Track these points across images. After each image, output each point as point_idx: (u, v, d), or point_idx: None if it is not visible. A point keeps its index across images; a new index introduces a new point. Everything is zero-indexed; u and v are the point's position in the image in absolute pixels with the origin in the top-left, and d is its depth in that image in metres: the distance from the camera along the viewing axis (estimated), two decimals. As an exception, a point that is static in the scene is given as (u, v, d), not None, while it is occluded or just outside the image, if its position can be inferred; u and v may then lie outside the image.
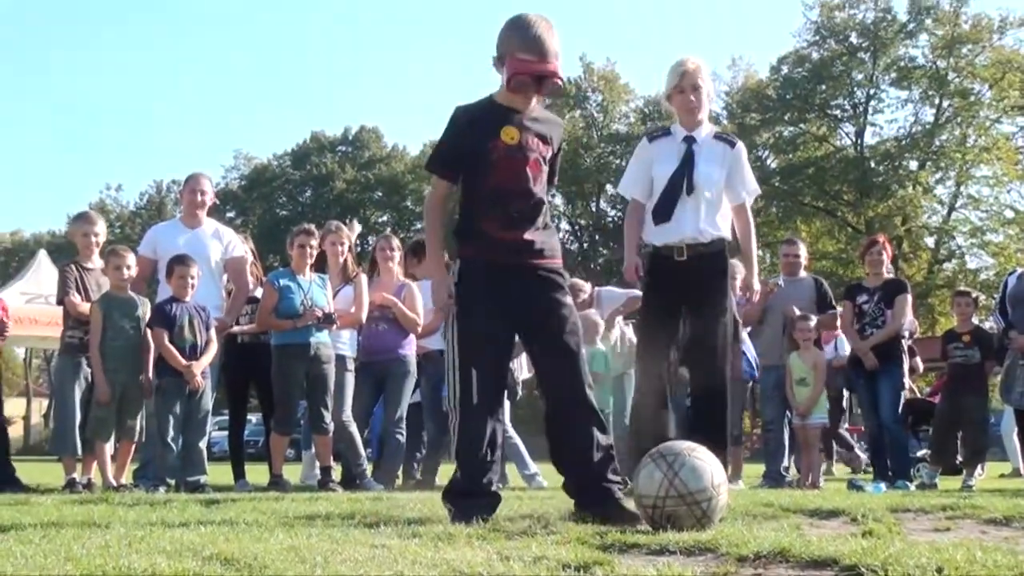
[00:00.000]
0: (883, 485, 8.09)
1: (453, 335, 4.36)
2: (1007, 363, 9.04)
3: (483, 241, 4.39)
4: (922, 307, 35.60)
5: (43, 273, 17.56)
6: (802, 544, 3.12)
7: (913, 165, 41.78)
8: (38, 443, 52.39)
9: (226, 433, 9.40)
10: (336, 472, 8.21)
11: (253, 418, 14.26)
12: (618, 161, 49.05)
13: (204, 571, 2.73)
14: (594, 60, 52.03)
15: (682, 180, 6.01)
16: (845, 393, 10.87)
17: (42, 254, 19.67)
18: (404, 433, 8.55)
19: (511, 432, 8.95)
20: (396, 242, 9.06)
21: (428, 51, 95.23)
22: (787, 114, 43.81)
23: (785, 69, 44.08)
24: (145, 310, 7.65)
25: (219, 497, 6.21)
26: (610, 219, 52.04)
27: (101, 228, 8.24)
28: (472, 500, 4.23)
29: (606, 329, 8.88)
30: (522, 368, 8.64)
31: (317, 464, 8.65)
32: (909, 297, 9.12)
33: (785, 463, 9.17)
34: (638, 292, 6.68)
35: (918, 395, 12.71)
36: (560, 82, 4.41)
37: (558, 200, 48.23)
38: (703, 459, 3.83)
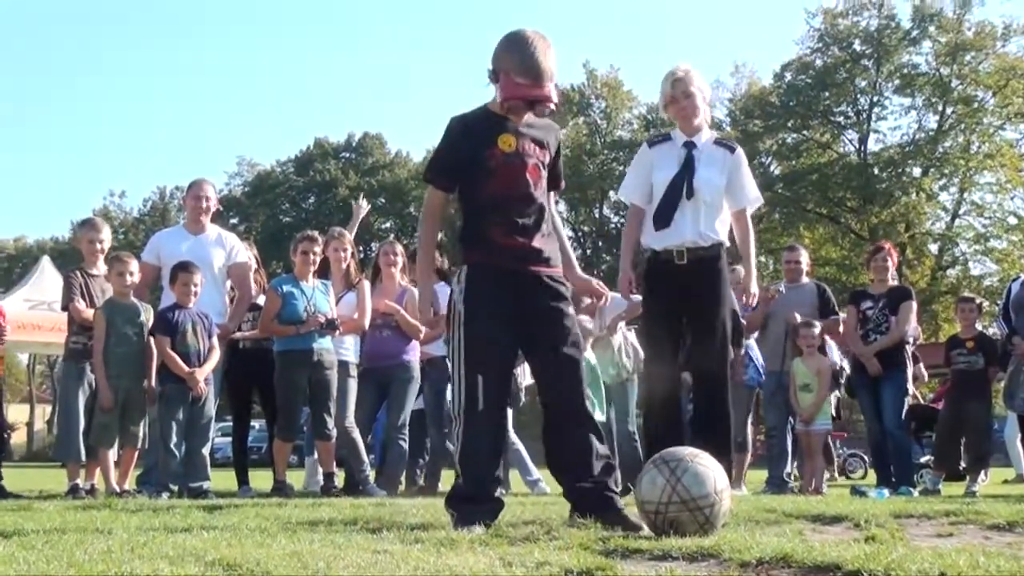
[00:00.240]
0: (886, 491, 8.08)
1: (458, 340, 4.34)
2: (1010, 369, 9.03)
3: (488, 247, 4.39)
4: (925, 313, 35.54)
5: (46, 279, 17.57)
6: (805, 550, 3.12)
7: (916, 172, 41.79)
8: (41, 449, 52.37)
9: (229, 439, 9.40)
10: (339, 478, 8.21)
11: (256, 424, 14.28)
12: (621, 168, 49.03)
13: (206, 576, 2.73)
14: (597, 67, 52.19)
15: (682, 185, 6.02)
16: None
17: (45, 260, 19.70)
18: (407, 439, 8.55)
19: (514, 438, 8.96)
20: (399, 248, 9.06)
21: (432, 58, 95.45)
22: (790, 121, 43.82)
23: (788, 76, 44.10)
24: (148, 316, 7.65)
25: (222, 503, 6.20)
26: (613, 225, 52.06)
27: (106, 235, 8.25)
28: (475, 506, 4.22)
29: (608, 335, 8.88)
30: (524, 374, 8.63)
31: (320, 470, 8.66)
32: (914, 304, 9.12)
33: (788, 469, 9.17)
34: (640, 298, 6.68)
35: (921, 401, 12.70)
36: (553, 106, 4.41)
37: (560, 206, 48.27)
38: (706, 465, 3.82)
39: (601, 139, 50.54)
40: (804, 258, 9.61)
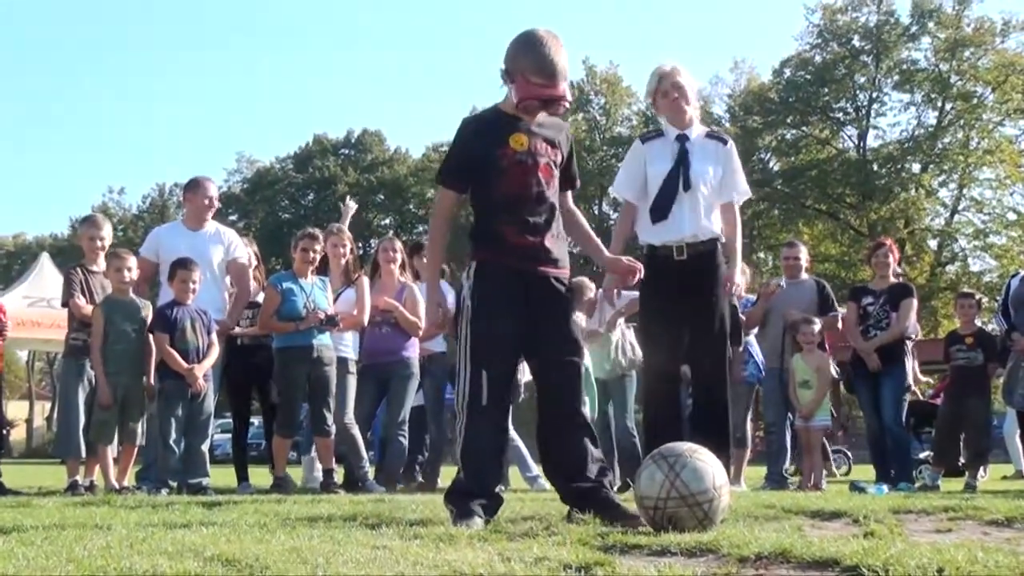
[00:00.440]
0: (885, 487, 8.09)
1: (465, 336, 4.36)
2: (1009, 365, 9.04)
3: (499, 245, 4.41)
4: (925, 310, 35.58)
5: (45, 276, 17.57)
6: (803, 545, 3.12)
7: (916, 168, 41.77)
8: (41, 446, 52.43)
9: (228, 436, 9.41)
10: (338, 474, 8.22)
11: (256, 421, 14.29)
12: (620, 164, 49.04)
13: (205, 572, 2.73)
14: (597, 63, 52.07)
15: (678, 178, 6.02)
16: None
17: (44, 257, 19.69)
18: (406, 435, 8.55)
19: (513, 435, 8.95)
20: (398, 244, 9.06)
21: (431, 54, 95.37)
22: (789, 117, 43.82)
23: (787, 72, 44.09)
24: (147, 313, 7.65)
25: (221, 499, 6.22)
26: (612, 222, 51.96)
27: (107, 232, 8.24)
28: (475, 501, 4.24)
29: (608, 331, 8.89)
30: (524, 371, 8.63)
31: (318, 467, 8.67)
32: (915, 301, 9.13)
33: (787, 465, 9.17)
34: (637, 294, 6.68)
35: (920, 397, 12.71)
36: (568, 105, 4.47)
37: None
38: (704, 460, 3.83)
39: (600, 135, 50.52)
40: (804, 254, 9.61)
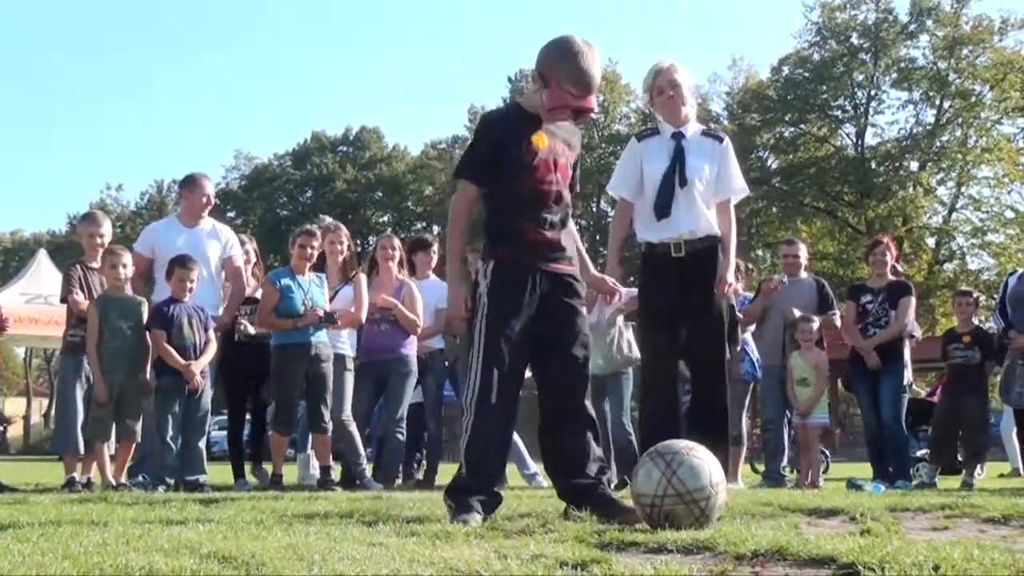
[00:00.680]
0: (882, 485, 8.09)
1: (480, 333, 4.37)
2: (1007, 363, 9.04)
3: (518, 243, 4.42)
4: (923, 307, 35.59)
5: (43, 273, 17.56)
6: (800, 543, 3.12)
7: (914, 166, 41.77)
8: (38, 442, 52.41)
9: (225, 432, 9.40)
10: (336, 471, 8.22)
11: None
12: (617, 162, 49.03)
13: (202, 569, 2.73)
14: (595, 61, 51.98)
15: (674, 175, 6.03)
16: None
17: (42, 254, 19.67)
18: (404, 433, 8.55)
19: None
20: (397, 242, 9.06)
21: (429, 52, 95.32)
22: (788, 115, 43.80)
23: (786, 70, 44.09)
24: (144, 310, 7.65)
25: (218, 496, 6.21)
26: (610, 219, 52.02)
27: (107, 229, 8.23)
28: (474, 498, 4.26)
29: (608, 328, 8.90)
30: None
31: (314, 464, 8.67)
32: (913, 299, 9.13)
33: (784, 462, 9.18)
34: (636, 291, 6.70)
35: (919, 394, 12.71)
36: (594, 117, 4.52)
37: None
38: (701, 458, 3.83)
39: (599, 133, 50.51)
40: (803, 252, 9.61)
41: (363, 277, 8.55)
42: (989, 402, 10.51)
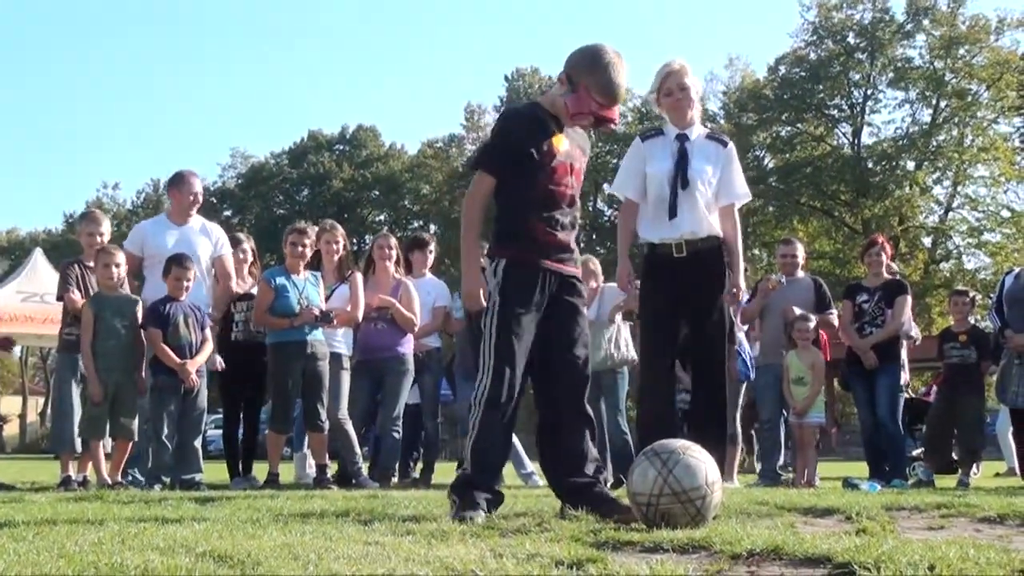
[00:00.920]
0: (878, 484, 8.09)
1: (491, 333, 4.37)
2: (1003, 362, 9.04)
3: (529, 242, 4.44)
4: (919, 307, 35.64)
5: (39, 271, 17.53)
6: (796, 542, 3.12)
7: (910, 165, 41.81)
8: (34, 441, 52.35)
9: (220, 431, 9.40)
10: (331, 470, 8.22)
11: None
12: (615, 160, 48.92)
13: (197, 568, 2.72)
14: (592, 59, 51.97)
15: (677, 176, 6.04)
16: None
17: (38, 252, 19.62)
18: (400, 431, 8.55)
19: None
20: (393, 241, 9.05)
21: (426, 50, 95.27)
22: (784, 114, 43.81)
23: (782, 69, 44.13)
24: (139, 309, 7.64)
25: (214, 495, 6.21)
26: (606, 218, 52.04)
27: (106, 228, 8.22)
28: (479, 495, 4.28)
29: (606, 323, 8.92)
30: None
31: (310, 463, 8.67)
32: (909, 298, 9.14)
33: (781, 461, 9.18)
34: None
35: (913, 395, 12.71)
36: (614, 127, 4.65)
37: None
38: (697, 457, 3.83)
39: (595, 132, 50.43)
40: (800, 252, 9.61)
41: (359, 276, 8.55)
42: (985, 401, 10.51)
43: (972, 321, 9.94)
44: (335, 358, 8.19)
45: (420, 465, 9.45)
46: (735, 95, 46.34)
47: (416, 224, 55.18)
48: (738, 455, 9.40)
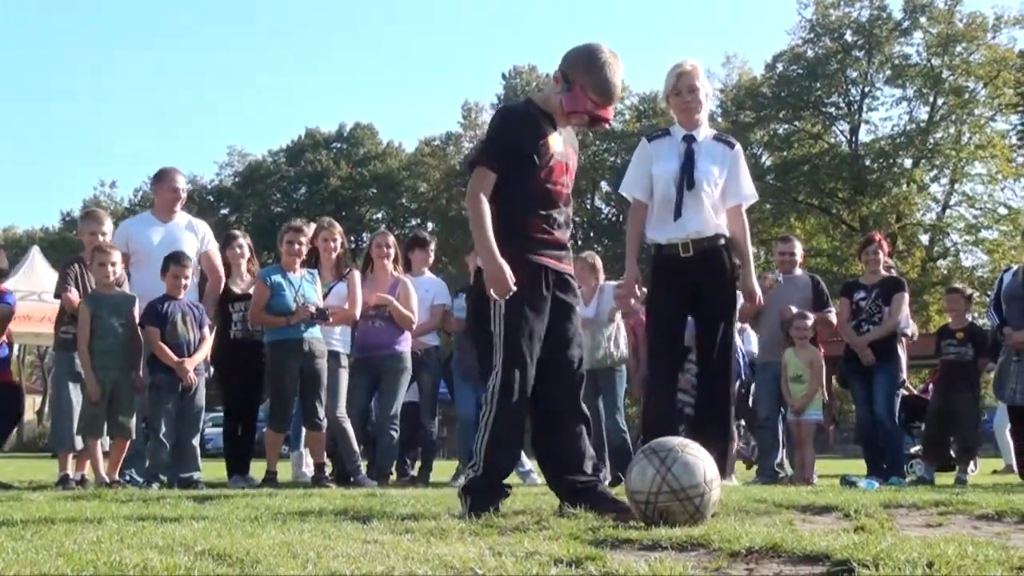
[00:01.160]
0: (876, 481, 8.10)
1: (500, 333, 4.37)
2: (1001, 360, 9.03)
3: (526, 240, 4.44)
4: (916, 304, 35.65)
5: (36, 270, 17.51)
6: (794, 539, 3.13)
7: (907, 163, 41.82)
8: (31, 440, 52.28)
9: (219, 430, 9.40)
10: (329, 468, 8.22)
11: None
12: (612, 159, 49.00)
13: (196, 566, 2.72)
14: (589, 57, 51.92)
15: (683, 177, 6.05)
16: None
17: (35, 251, 19.62)
18: (398, 429, 8.55)
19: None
20: (392, 239, 9.06)
21: (423, 48, 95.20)
22: (782, 112, 43.82)
23: (780, 67, 44.13)
24: (136, 307, 7.63)
25: (212, 493, 6.21)
26: (604, 216, 52.05)
27: (108, 228, 8.20)
28: (491, 495, 4.32)
29: (605, 322, 8.92)
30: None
31: (307, 462, 8.66)
32: (906, 295, 9.15)
33: (779, 459, 9.18)
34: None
35: (911, 391, 12.73)
36: (608, 127, 4.69)
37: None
38: (695, 455, 3.83)
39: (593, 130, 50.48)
40: (798, 250, 9.61)
41: (357, 274, 8.55)
42: (982, 399, 10.52)
43: (970, 318, 9.94)
44: (333, 356, 8.19)
45: (418, 463, 9.46)
46: (732, 93, 46.32)
47: (414, 222, 55.17)
48: (734, 451, 9.40)
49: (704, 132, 6.27)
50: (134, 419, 7.58)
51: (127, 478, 7.68)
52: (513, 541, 3.28)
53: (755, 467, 10.06)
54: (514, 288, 4.31)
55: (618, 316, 9.00)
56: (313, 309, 7.87)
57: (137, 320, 7.60)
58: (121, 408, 7.48)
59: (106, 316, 7.49)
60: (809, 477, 8.76)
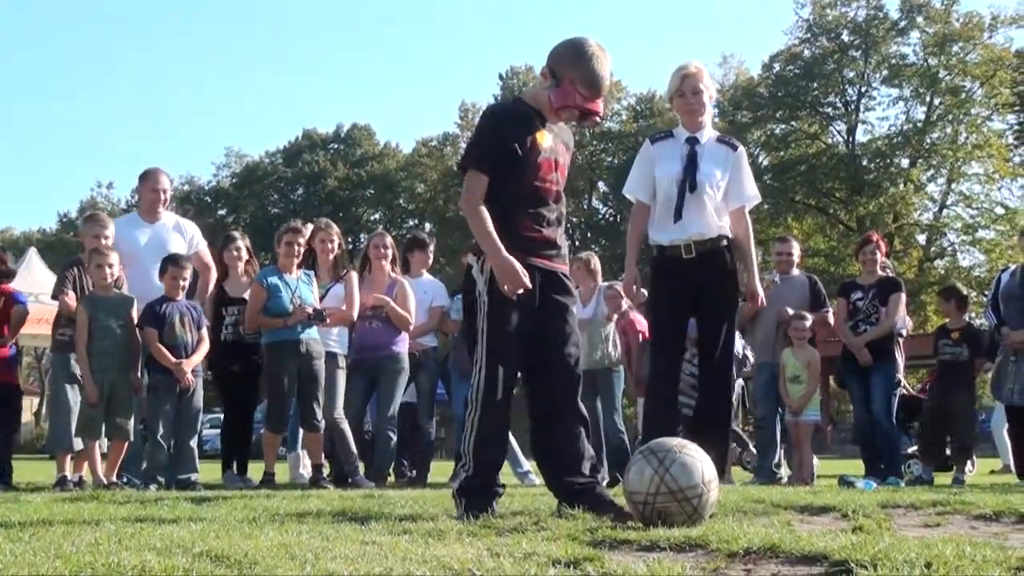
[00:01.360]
0: (874, 481, 8.10)
1: (482, 331, 4.36)
2: (998, 359, 9.04)
3: (515, 238, 4.39)
4: (913, 304, 35.69)
5: (34, 271, 17.47)
6: (792, 540, 3.12)
7: (904, 162, 41.87)
8: (29, 441, 52.17)
9: (218, 431, 9.39)
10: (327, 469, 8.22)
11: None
12: (610, 159, 49.03)
13: (194, 568, 2.72)
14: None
15: (685, 179, 6.06)
16: (737, 388, 10.73)
17: (32, 252, 19.59)
18: (396, 430, 8.55)
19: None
20: (389, 240, 9.05)
21: (420, 48, 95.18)
22: (779, 112, 43.86)
23: (777, 67, 44.14)
24: (134, 308, 7.63)
25: (210, 494, 6.21)
26: (601, 216, 52.06)
27: (111, 231, 8.18)
28: (485, 495, 4.31)
29: (603, 322, 8.93)
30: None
31: (305, 463, 8.66)
32: (903, 295, 9.15)
33: (776, 459, 9.19)
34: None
35: (910, 392, 12.74)
36: (599, 121, 4.61)
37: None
38: (693, 455, 3.83)
39: (589, 130, 50.44)
40: (795, 250, 9.61)
41: (354, 275, 8.54)
42: (978, 399, 10.53)
43: (967, 318, 9.95)
44: (331, 357, 8.19)
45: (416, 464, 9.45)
46: (729, 93, 46.34)
47: (411, 223, 55.15)
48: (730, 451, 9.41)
49: (707, 134, 6.27)
50: (132, 421, 7.58)
51: (124, 479, 7.67)
52: (511, 542, 3.28)
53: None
54: (528, 284, 4.28)
55: (615, 317, 9.01)
56: (310, 310, 7.87)
57: (135, 321, 7.60)
58: (119, 410, 7.47)
59: (104, 318, 7.48)
60: (807, 477, 8.76)
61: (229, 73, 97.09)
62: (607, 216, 51.52)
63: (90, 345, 7.42)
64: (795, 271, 9.53)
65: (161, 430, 7.47)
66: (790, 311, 8.96)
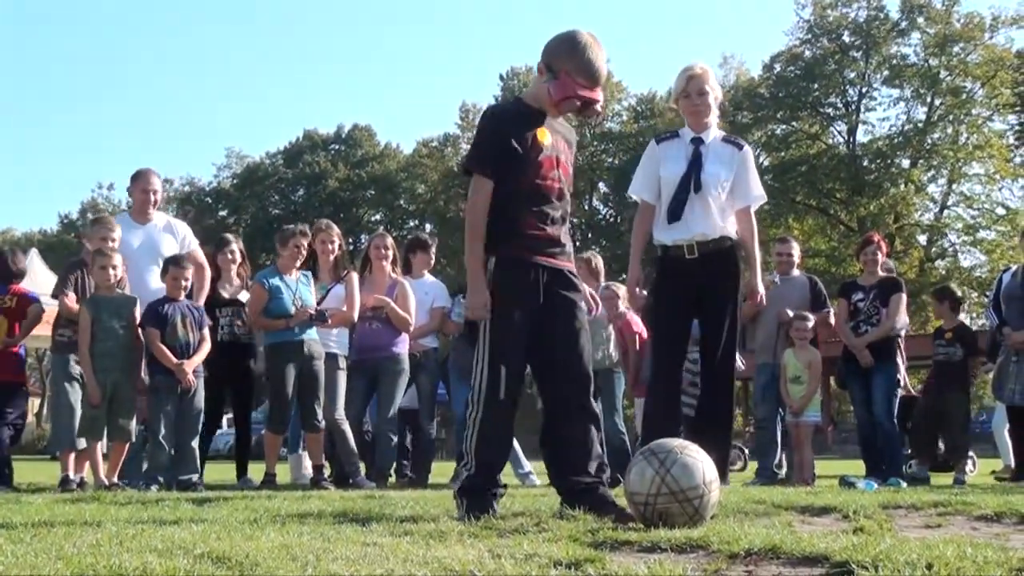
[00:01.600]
0: (875, 482, 8.10)
1: (485, 331, 4.36)
2: (1000, 360, 9.05)
3: (520, 238, 4.40)
4: (914, 305, 35.66)
5: (35, 272, 17.44)
6: (793, 541, 3.12)
7: (905, 163, 41.85)
8: (30, 442, 52.17)
9: (217, 432, 9.38)
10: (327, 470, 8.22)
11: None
12: (611, 159, 49.02)
13: (195, 569, 2.72)
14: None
15: (690, 179, 6.07)
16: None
17: (33, 253, 19.58)
18: (396, 431, 8.54)
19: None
20: (390, 241, 9.05)
21: (421, 49, 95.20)
22: (779, 112, 43.83)
23: (777, 67, 44.12)
24: (137, 309, 7.63)
25: (211, 495, 6.20)
26: (602, 217, 52.04)
27: (118, 235, 8.16)
28: (486, 495, 4.30)
29: (605, 323, 8.93)
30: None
31: (306, 464, 8.65)
32: (904, 296, 9.16)
33: (777, 460, 9.19)
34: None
35: (911, 392, 12.75)
36: (600, 110, 4.57)
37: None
38: (694, 456, 3.83)
39: (590, 130, 50.50)
40: (796, 250, 9.61)
41: (355, 276, 8.55)
42: (977, 399, 10.54)
43: (962, 319, 9.97)
44: (331, 358, 8.19)
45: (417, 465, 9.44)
46: (730, 94, 46.30)
47: (412, 223, 55.16)
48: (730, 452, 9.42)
49: (713, 134, 6.28)
50: (134, 421, 7.58)
51: (125, 481, 7.67)
52: (512, 543, 3.28)
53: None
54: (488, 316, 4.32)
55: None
56: (312, 311, 7.87)
57: (137, 322, 7.60)
58: (121, 410, 7.47)
59: (107, 319, 7.48)
60: (808, 478, 8.76)
61: (229, 73, 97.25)
62: (608, 217, 51.51)
63: (93, 346, 7.42)
64: (795, 272, 9.53)
65: (162, 431, 7.47)
66: (790, 312, 8.95)
